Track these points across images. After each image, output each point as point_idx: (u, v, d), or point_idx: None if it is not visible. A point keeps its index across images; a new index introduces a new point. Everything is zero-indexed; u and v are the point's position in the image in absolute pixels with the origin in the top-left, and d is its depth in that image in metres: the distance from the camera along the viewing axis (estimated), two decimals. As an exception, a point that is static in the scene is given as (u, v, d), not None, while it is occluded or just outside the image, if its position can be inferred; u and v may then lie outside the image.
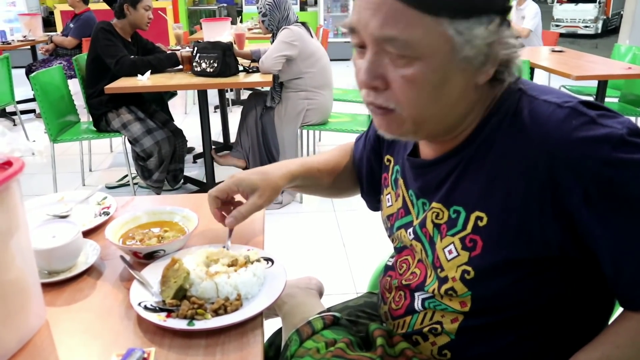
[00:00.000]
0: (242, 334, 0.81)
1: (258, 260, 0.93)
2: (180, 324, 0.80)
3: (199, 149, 4.16)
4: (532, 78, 3.78)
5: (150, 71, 3.04)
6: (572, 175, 0.67)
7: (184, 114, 5.64)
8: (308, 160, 1.11)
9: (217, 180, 3.37)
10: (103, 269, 1.00)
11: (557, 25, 15.60)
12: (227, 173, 3.61)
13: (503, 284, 0.75)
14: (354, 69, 0.77)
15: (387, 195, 0.99)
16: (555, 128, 0.69)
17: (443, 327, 0.83)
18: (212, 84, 2.93)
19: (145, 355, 0.74)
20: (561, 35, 10.74)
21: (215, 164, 3.37)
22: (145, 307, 0.84)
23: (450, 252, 0.79)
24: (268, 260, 0.95)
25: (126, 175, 3.71)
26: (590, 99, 0.72)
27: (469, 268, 0.77)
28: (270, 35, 3.34)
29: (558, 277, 0.74)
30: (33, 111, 5.65)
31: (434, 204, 0.83)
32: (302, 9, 9.70)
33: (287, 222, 3.05)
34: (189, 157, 3.99)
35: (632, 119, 4.25)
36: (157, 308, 0.84)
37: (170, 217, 1.09)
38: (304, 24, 3.22)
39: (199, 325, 0.80)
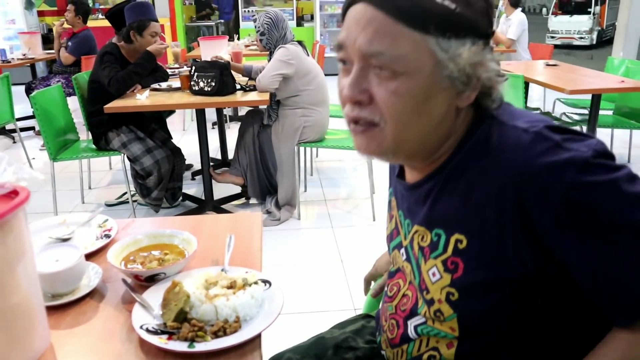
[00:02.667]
0: (241, 355, 0.83)
1: (256, 283, 0.96)
2: (181, 346, 0.83)
3: (197, 166, 4.19)
4: (526, 92, 3.82)
5: (142, 86, 3.08)
6: (539, 200, 0.69)
7: (182, 130, 5.68)
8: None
9: (215, 198, 3.40)
10: (105, 291, 1.03)
11: (552, 37, 15.76)
12: (225, 190, 3.65)
13: (487, 305, 0.77)
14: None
15: (387, 217, 1.03)
16: (521, 154, 0.71)
17: (440, 353, 0.85)
18: (210, 102, 2.97)
19: (148, 378, 0.77)
20: (556, 46, 10.84)
21: (213, 181, 3.40)
22: (147, 330, 0.87)
23: (434, 274, 0.82)
24: (265, 282, 0.98)
25: (125, 193, 3.74)
26: (557, 123, 0.75)
27: (452, 290, 0.79)
28: (267, 52, 3.39)
29: (542, 297, 0.76)
30: (32, 128, 5.69)
31: (416, 226, 0.86)
32: (299, 24, 9.80)
33: (285, 238, 3.07)
34: (187, 175, 4.02)
35: (627, 131, 4.30)
36: (158, 330, 0.87)
37: (170, 240, 1.12)
38: (300, 42, 3.27)
39: (199, 347, 0.82)
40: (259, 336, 0.87)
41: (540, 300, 0.76)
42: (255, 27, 3.21)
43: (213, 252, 1.13)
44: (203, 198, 3.46)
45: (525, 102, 3.58)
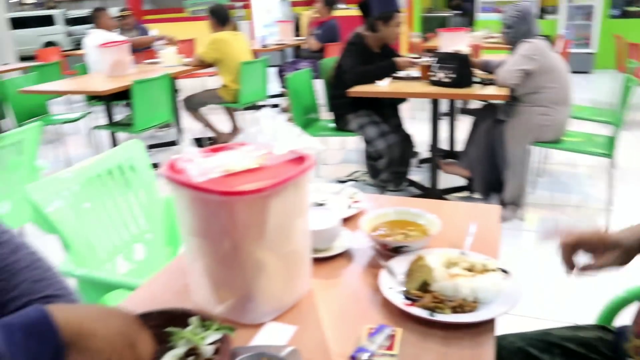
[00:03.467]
0: (476, 334, 0.89)
1: (495, 270, 1.00)
2: (422, 312, 0.91)
3: (423, 154, 4.30)
4: None
5: (390, 78, 3.26)
6: None
7: (411, 118, 5.84)
8: None
9: (439, 187, 3.45)
10: (354, 254, 1.17)
11: None
12: (450, 181, 3.68)
13: None
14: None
15: None
16: None
17: None
18: (447, 94, 3.02)
19: (393, 333, 0.87)
20: None
21: (439, 170, 3.46)
22: (392, 294, 0.97)
23: None
24: (504, 271, 1.01)
25: (355, 172, 4.02)
26: None
27: None
28: (507, 46, 3.30)
29: None
30: (277, 106, 6.40)
31: None
32: (540, 17, 9.20)
33: (504, 238, 3.00)
34: (414, 161, 4.15)
35: None
36: (402, 296, 0.97)
37: (414, 219, 1.21)
38: (547, 37, 3.12)
39: (439, 317, 0.90)
40: (493, 320, 0.91)
41: None
42: (502, 19, 3.15)
43: (452, 235, 1.19)
44: (427, 186, 3.54)
45: None
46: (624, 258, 0.98)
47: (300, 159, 0.96)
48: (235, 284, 0.93)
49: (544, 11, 9.77)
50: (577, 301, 2.40)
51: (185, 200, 0.91)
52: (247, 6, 9.83)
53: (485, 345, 0.87)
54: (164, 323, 0.82)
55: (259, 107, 6.29)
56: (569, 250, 1.01)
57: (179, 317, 0.82)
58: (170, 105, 4.32)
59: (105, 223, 1.65)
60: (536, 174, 3.85)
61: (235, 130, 5.19)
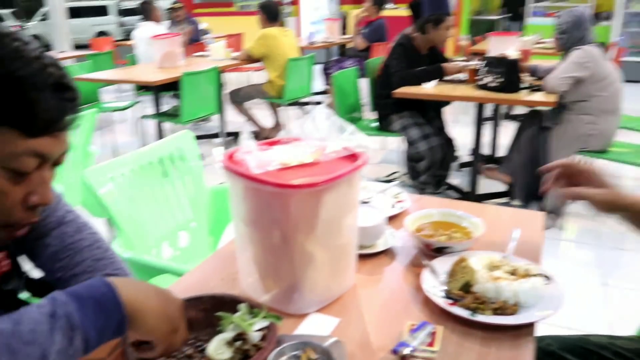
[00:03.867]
0: (516, 336, 0.91)
1: (537, 275, 1.01)
2: (463, 312, 0.94)
3: (464, 158, 4.27)
4: None
5: (436, 80, 3.26)
6: None
7: (453, 122, 5.79)
8: None
9: (478, 192, 3.43)
10: (397, 252, 1.20)
11: None
12: (490, 186, 3.65)
13: None
14: None
15: None
16: None
17: None
18: (494, 98, 3.00)
19: (434, 331, 0.90)
20: None
21: (480, 175, 3.44)
22: (433, 293, 1.00)
23: None
24: (546, 277, 1.03)
25: (395, 172, 4.03)
26: None
27: None
28: (559, 52, 3.26)
29: None
30: (320, 103, 6.44)
31: None
32: (594, 23, 8.96)
33: (545, 247, 2.97)
34: (454, 165, 4.13)
35: None
36: (443, 295, 1.00)
37: (458, 221, 1.23)
38: (602, 44, 3.06)
39: (480, 318, 0.92)
40: (533, 324, 0.93)
41: None
42: (556, 24, 3.11)
43: (494, 239, 1.21)
44: (466, 190, 3.53)
45: None
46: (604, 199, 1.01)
47: (352, 156, 1.00)
48: (283, 274, 0.97)
49: (598, 17, 9.50)
50: (616, 312, 2.36)
51: (241, 190, 0.96)
52: (295, 2, 9.91)
53: (524, 348, 0.89)
54: (213, 307, 0.86)
55: (303, 104, 6.35)
56: (558, 172, 1.07)
57: (229, 303, 0.87)
58: (217, 98, 4.42)
59: (154, 210, 1.72)
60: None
61: (278, 125, 5.26)
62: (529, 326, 0.93)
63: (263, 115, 5.38)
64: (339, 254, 1.01)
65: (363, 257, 1.16)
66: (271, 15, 4.86)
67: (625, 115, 3.46)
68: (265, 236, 0.96)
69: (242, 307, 0.84)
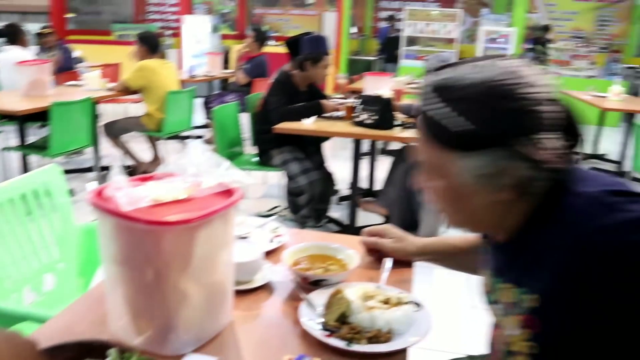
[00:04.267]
0: (390, 363, 0.94)
1: (409, 303, 1.06)
2: (340, 343, 0.96)
3: (343, 191, 4.41)
4: None
5: (315, 116, 3.36)
6: (598, 260, 0.73)
7: (332, 157, 5.98)
8: (447, 238, 1.33)
9: (358, 225, 3.55)
10: (275, 287, 1.20)
11: None
12: (368, 219, 3.79)
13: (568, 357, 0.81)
14: None
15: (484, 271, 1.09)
16: (582, 219, 0.76)
17: None
18: (370, 134, 3.16)
19: (311, 363, 0.91)
20: None
21: (358, 208, 3.57)
22: (311, 325, 1.01)
23: (514, 329, 0.86)
24: (417, 304, 1.08)
25: (275, 207, 4.06)
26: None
27: (532, 344, 0.83)
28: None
29: (623, 352, 0.77)
30: (201, 137, 6.37)
31: (502, 285, 0.91)
32: (458, 67, 9.79)
33: (418, 275, 3.12)
34: (333, 199, 4.25)
35: None
36: (320, 327, 1.01)
37: (334, 253, 1.27)
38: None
39: (356, 347, 0.95)
40: (406, 350, 0.97)
41: (622, 355, 0.78)
42: (426, 67, 3.36)
43: (369, 270, 1.26)
44: (346, 223, 3.64)
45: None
46: (401, 250, 1.31)
47: (227, 192, 0.99)
48: (156, 313, 0.93)
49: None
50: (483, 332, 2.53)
51: (110, 228, 0.91)
52: (177, 35, 9.77)
53: (397, 374, 0.92)
54: (80, 355, 0.81)
55: (182, 138, 6.22)
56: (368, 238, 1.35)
57: (97, 349, 0.81)
58: (90, 130, 4.20)
59: (15, 251, 1.58)
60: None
61: (157, 159, 5.09)
62: (402, 352, 0.97)
63: (141, 148, 5.19)
64: (215, 291, 0.99)
65: (240, 293, 1.15)
66: (150, 46, 4.75)
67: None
68: (137, 275, 0.92)
69: (112, 352, 0.80)
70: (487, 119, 0.79)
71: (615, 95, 5.71)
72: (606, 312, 0.76)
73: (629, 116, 5.56)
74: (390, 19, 11.35)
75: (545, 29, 10.34)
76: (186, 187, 0.98)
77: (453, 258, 1.30)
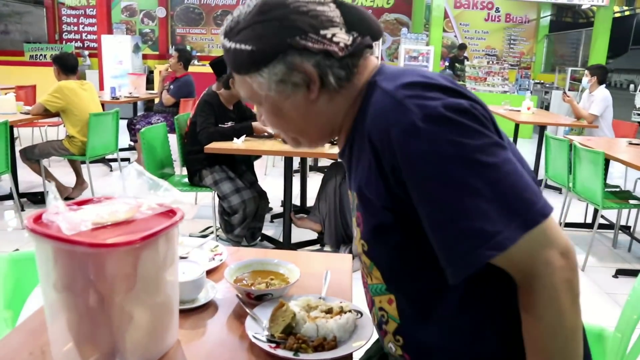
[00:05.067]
0: (336, 369, 0.98)
1: (350, 311, 1.11)
2: (287, 354, 0.99)
3: (276, 209, 4.44)
4: (606, 169, 3.82)
5: (244, 135, 3.38)
6: (381, 146, 0.82)
7: (264, 175, 6.00)
8: None
9: (293, 241, 3.59)
10: (219, 304, 1.21)
11: (639, 114, 15.28)
12: (302, 235, 3.84)
13: (387, 250, 0.91)
14: None
15: None
16: (375, 108, 0.85)
17: (387, 312, 0.97)
18: (299, 152, 3.21)
19: (261, 375, 0.93)
20: (642, 124, 10.55)
21: (292, 225, 3.60)
22: (258, 338, 1.03)
23: (354, 230, 0.97)
24: (358, 312, 1.13)
25: (209, 227, 4.02)
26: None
27: (363, 242, 0.94)
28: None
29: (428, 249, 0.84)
30: (128, 159, 6.20)
31: (350, 192, 1.01)
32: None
33: (354, 287, 3.19)
34: (267, 217, 4.26)
35: None
36: (267, 340, 1.04)
37: (275, 268, 1.30)
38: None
39: (303, 356, 0.98)
40: (351, 355, 1.01)
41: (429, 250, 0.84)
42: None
43: (310, 282, 1.29)
44: (280, 240, 3.66)
45: (605, 179, 3.59)
46: None
47: (169, 213, 1.00)
48: (102, 338, 0.93)
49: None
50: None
51: (50, 254, 0.90)
52: (95, 55, 9.50)
53: (344, 379, 0.96)
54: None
55: (108, 161, 6.03)
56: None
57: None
58: (6, 156, 3.99)
59: None
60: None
61: (81, 184, 4.90)
62: (348, 357, 1.01)
63: (64, 172, 4.99)
64: (161, 312, 0.99)
65: (185, 312, 1.15)
66: (66, 67, 4.59)
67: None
68: (80, 300, 0.91)
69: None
70: (260, 34, 0.86)
71: (527, 109, 6.13)
72: (392, 200, 0.84)
73: (540, 128, 5.95)
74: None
75: (461, 47, 10.93)
76: (126, 210, 0.98)
77: None
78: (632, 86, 28.85)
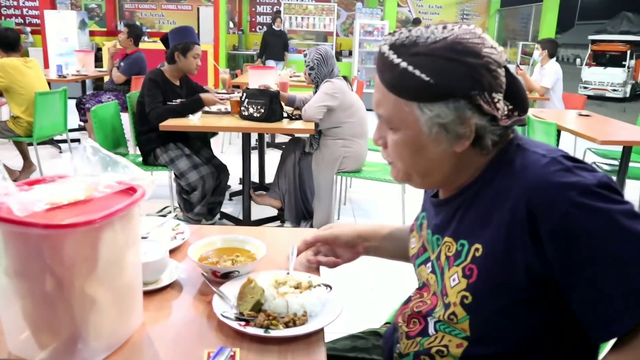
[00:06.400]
0: (308, 344, 0.97)
1: (319, 285, 1.09)
2: (257, 331, 0.97)
3: (234, 187, 4.38)
4: (558, 140, 3.93)
5: (200, 112, 3.29)
6: (543, 210, 0.82)
7: (220, 152, 5.90)
8: (380, 225, 1.36)
9: (252, 218, 3.55)
10: (184, 284, 1.18)
11: (585, 87, 15.82)
12: (262, 211, 3.81)
13: (497, 309, 0.89)
14: None
15: (412, 238, 1.16)
16: (537, 172, 0.86)
17: (449, 350, 0.96)
18: (258, 128, 3.15)
19: (232, 353, 0.91)
20: (589, 97, 10.93)
21: (252, 202, 3.56)
22: (226, 317, 1.01)
23: (454, 280, 0.94)
24: (327, 286, 1.12)
25: (166, 207, 3.93)
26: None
27: (467, 294, 0.91)
28: (310, 85, 3.58)
29: (547, 309, 0.87)
30: (78, 140, 5.98)
31: (446, 239, 0.99)
32: (337, 59, 10.08)
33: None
34: (226, 194, 4.20)
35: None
36: (235, 318, 1.01)
37: (241, 245, 1.26)
38: (345, 77, 3.46)
39: (274, 333, 0.96)
40: (322, 329, 1.00)
41: (544, 311, 0.87)
42: (305, 61, 3.41)
43: (276, 258, 1.27)
44: (240, 217, 3.61)
45: (558, 149, 3.69)
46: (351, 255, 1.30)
47: (129, 190, 0.96)
48: (62, 324, 0.88)
49: (340, 54, 10.73)
50: (381, 312, 2.65)
51: (1, 238, 0.84)
52: (38, 32, 9.06)
53: (318, 353, 0.95)
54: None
55: (57, 142, 5.80)
56: (307, 248, 1.29)
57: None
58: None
59: None
60: (340, 202, 4.18)
61: (29, 166, 4.70)
62: (319, 332, 1.00)
63: (10, 156, 4.77)
64: (124, 293, 0.95)
65: (149, 293, 1.11)
66: (7, 44, 4.36)
67: (371, 139, 3.95)
68: (35, 286, 0.86)
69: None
70: (445, 70, 0.85)
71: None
72: (536, 262, 0.84)
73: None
74: (277, 13, 11.31)
75: (416, 22, 10.94)
76: (84, 189, 0.93)
77: (392, 240, 1.32)
78: (578, 60, 29.76)
